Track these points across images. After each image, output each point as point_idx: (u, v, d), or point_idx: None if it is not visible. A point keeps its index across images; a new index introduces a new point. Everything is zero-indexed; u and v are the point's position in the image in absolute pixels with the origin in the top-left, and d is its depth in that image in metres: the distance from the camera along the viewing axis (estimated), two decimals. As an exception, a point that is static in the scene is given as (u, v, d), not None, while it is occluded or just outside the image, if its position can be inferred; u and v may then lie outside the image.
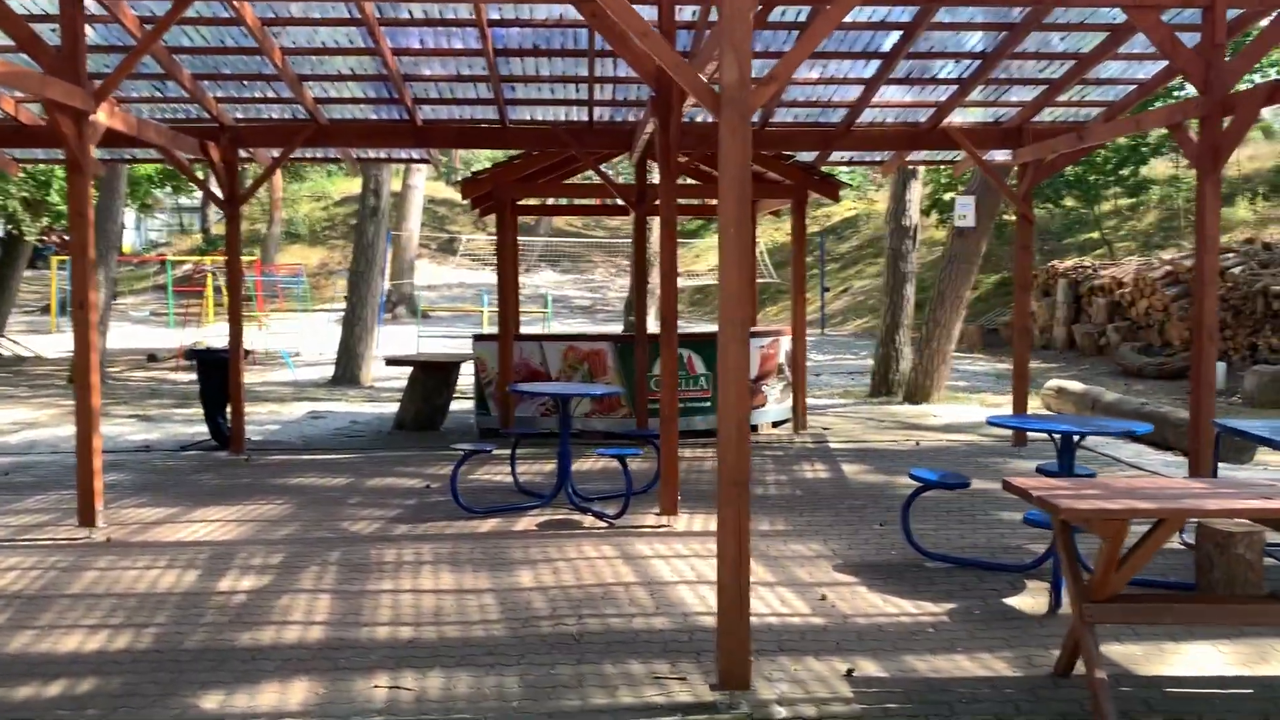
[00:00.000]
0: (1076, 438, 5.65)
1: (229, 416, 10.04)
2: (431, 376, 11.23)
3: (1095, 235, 24.76)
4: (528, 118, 9.69)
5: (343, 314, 16.68)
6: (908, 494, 7.82)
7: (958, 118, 9.69)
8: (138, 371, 18.54)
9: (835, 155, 10.55)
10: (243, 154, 10.33)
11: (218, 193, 9.54)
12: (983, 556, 6.09)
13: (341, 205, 42.30)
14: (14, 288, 21.17)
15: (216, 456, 9.83)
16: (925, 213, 21.43)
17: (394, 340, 22.98)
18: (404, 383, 15.09)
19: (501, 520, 7.13)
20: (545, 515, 7.27)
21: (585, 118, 9.59)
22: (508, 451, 7.94)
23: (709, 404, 10.78)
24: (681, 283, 18.49)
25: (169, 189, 24.08)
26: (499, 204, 10.61)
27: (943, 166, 22.58)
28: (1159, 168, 25.26)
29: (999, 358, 19.43)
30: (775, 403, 11.26)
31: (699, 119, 9.34)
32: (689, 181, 11.96)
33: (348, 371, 16.00)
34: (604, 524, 6.97)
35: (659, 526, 6.87)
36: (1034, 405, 13.09)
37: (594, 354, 10.76)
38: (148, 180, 20.49)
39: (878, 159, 11.13)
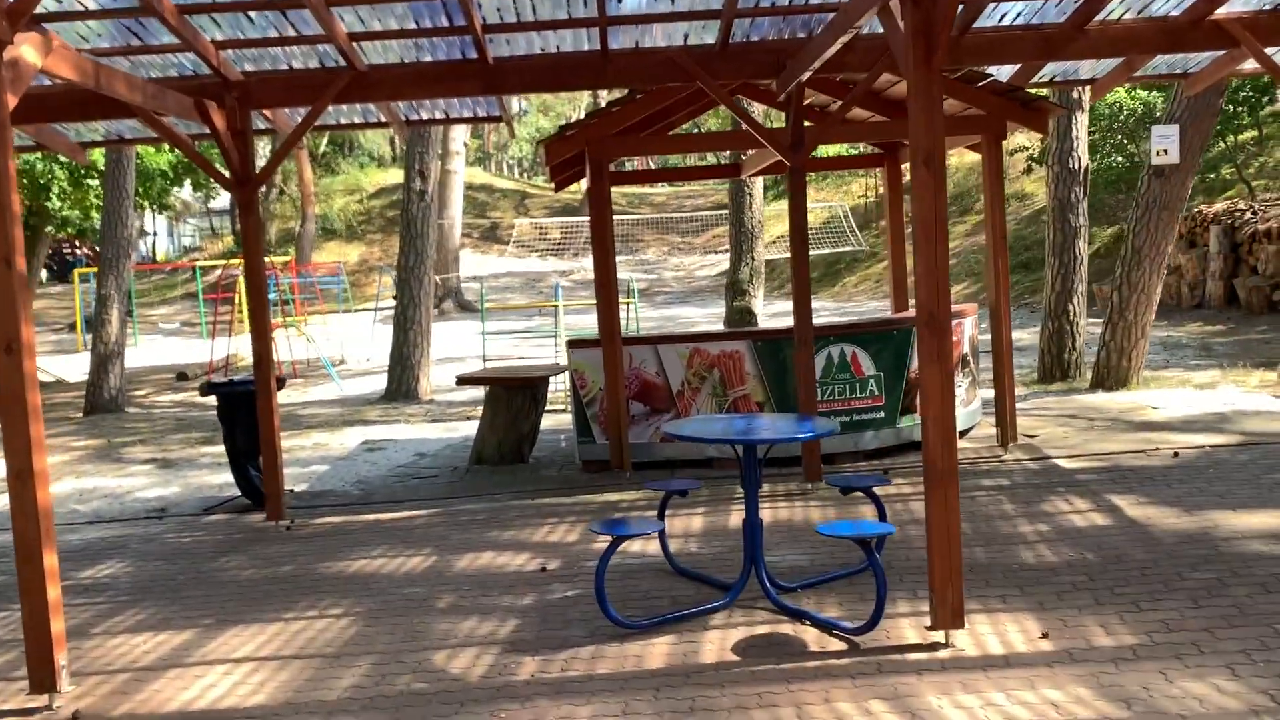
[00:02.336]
0: None
1: (262, 466, 7.64)
2: (516, 395, 8.75)
3: (1227, 174, 21.73)
4: (634, 44, 7.13)
5: (392, 315, 14.26)
6: (1257, 547, 5.27)
7: (1223, 8, 6.98)
8: (165, 395, 16.30)
9: (1038, 72, 7.89)
10: (258, 124, 7.90)
11: (224, 171, 7.07)
12: None
13: (377, 198, 40.00)
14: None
15: (248, 522, 7.43)
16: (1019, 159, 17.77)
17: (448, 340, 20.55)
18: (472, 394, 12.69)
19: (676, 639, 4.62)
20: (737, 625, 4.75)
21: (714, 40, 7.01)
22: (673, 533, 5.31)
23: (882, 414, 8.20)
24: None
25: (190, 187, 21.78)
26: (595, 167, 8.05)
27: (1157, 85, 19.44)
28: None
29: (1156, 324, 16.58)
30: (961, 405, 8.65)
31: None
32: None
33: (403, 384, 13.58)
34: (841, 642, 4.45)
35: (934, 647, 4.31)
36: (1251, 382, 10.35)
37: (726, 357, 8.22)
38: (161, 176, 18.11)
39: (1085, 78, 8.42)
